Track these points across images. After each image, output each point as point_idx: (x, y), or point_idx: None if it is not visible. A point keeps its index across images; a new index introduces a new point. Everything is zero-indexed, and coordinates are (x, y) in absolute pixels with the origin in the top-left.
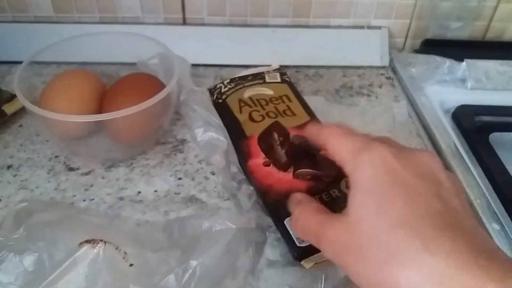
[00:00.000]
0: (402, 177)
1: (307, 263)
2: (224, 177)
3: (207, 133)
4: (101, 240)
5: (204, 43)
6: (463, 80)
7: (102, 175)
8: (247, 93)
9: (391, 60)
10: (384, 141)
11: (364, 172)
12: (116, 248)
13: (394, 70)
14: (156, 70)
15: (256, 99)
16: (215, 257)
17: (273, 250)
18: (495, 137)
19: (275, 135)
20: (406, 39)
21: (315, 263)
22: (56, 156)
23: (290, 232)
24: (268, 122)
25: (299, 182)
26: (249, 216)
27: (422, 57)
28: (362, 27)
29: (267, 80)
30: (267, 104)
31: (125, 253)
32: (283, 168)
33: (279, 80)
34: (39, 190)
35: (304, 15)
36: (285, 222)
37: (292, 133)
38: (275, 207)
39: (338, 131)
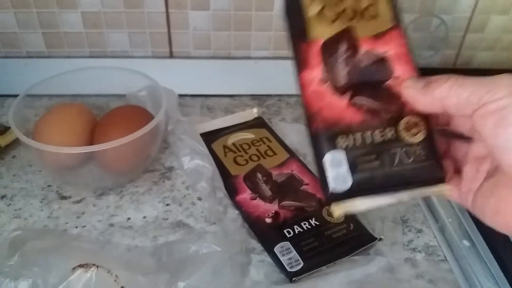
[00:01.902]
0: None
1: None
2: (210, 202)
3: (194, 161)
4: (94, 265)
5: (191, 75)
6: None
7: (93, 203)
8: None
9: None
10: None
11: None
12: (108, 272)
13: None
14: (145, 102)
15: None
16: (202, 279)
17: (258, 271)
18: None
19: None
20: None
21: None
22: (49, 186)
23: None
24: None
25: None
26: (234, 239)
27: None
28: None
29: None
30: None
31: (116, 276)
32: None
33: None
34: (32, 218)
35: (284, 47)
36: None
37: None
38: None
39: (453, 80)
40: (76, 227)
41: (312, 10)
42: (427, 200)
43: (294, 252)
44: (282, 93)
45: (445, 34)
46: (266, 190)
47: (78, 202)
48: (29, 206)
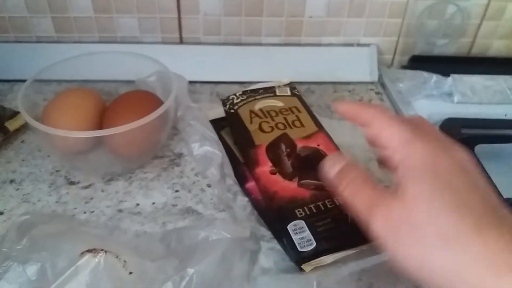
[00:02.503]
0: (449, 169)
1: (307, 267)
2: (219, 189)
3: (203, 147)
4: (102, 250)
5: (200, 61)
6: (450, 94)
7: (101, 189)
8: (258, 105)
9: (380, 76)
10: (425, 132)
11: (417, 160)
12: (116, 257)
13: (383, 85)
14: (154, 87)
15: (267, 111)
16: (211, 265)
17: (267, 259)
18: (481, 149)
19: (283, 146)
20: (394, 56)
21: (314, 267)
22: (57, 171)
23: (293, 237)
24: (277, 133)
25: (303, 190)
26: (244, 226)
27: (410, 72)
28: (352, 45)
29: (278, 93)
30: (276, 115)
31: (124, 261)
32: (289, 177)
33: (289, 93)
34: (41, 203)
35: (295, 34)
36: (288, 227)
37: (300, 145)
38: (279, 212)
39: (384, 115)
40: (85, 212)
41: (252, 126)
42: None
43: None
44: (293, 80)
45: (461, 21)
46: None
47: (87, 187)
48: (37, 191)
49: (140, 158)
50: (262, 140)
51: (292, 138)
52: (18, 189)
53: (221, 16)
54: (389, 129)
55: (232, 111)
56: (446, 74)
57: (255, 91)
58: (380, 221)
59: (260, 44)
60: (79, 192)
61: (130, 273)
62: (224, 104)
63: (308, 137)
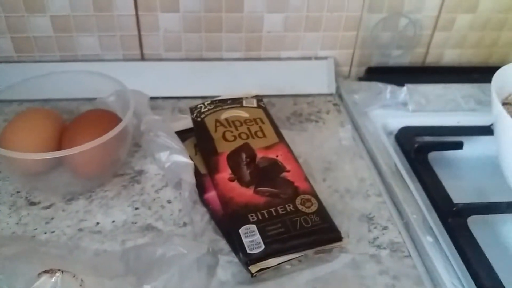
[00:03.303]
0: None
1: (253, 268)
2: (188, 194)
3: (173, 155)
4: (59, 270)
5: (162, 77)
6: (405, 104)
7: (62, 208)
8: (224, 115)
9: (337, 88)
10: None
11: None
12: (73, 276)
13: (340, 96)
14: (114, 106)
15: (232, 121)
16: (168, 281)
17: (225, 272)
18: (434, 156)
19: (243, 155)
20: (351, 68)
21: (260, 269)
22: (18, 192)
23: (243, 240)
24: (239, 142)
25: (258, 197)
26: (201, 241)
27: (366, 84)
28: (309, 58)
29: (244, 104)
30: (241, 125)
31: (82, 280)
32: (246, 184)
33: (255, 105)
34: (0, 225)
35: (255, 49)
36: (239, 230)
37: (260, 155)
38: (233, 216)
39: None
40: (45, 232)
41: (216, 135)
42: (393, 197)
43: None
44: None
45: (413, 33)
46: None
47: (47, 207)
48: None
49: (101, 176)
50: (225, 148)
51: (253, 148)
52: None
53: (181, 33)
54: None
55: (198, 119)
56: (401, 84)
57: (223, 101)
58: None
59: (221, 59)
60: (39, 212)
61: None
62: (191, 113)
63: (268, 147)
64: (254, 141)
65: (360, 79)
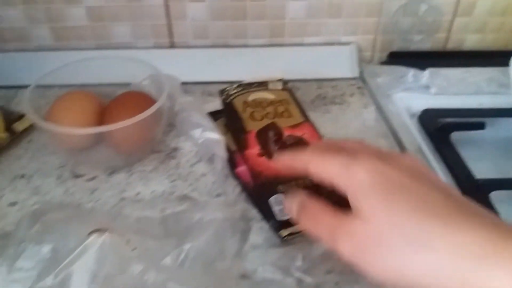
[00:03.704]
0: (397, 177)
1: (284, 232)
2: (215, 172)
3: (205, 133)
4: (107, 229)
5: (191, 63)
6: (427, 87)
7: (105, 180)
8: (251, 97)
9: (360, 72)
10: (361, 148)
11: (361, 178)
12: (120, 236)
13: (363, 80)
14: (148, 89)
15: (259, 102)
16: (206, 242)
17: (257, 236)
18: (456, 136)
19: (271, 133)
20: (373, 53)
21: (290, 233)
22: (63, 166)
23: (273, 208)
24: (266, 121)
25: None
26: (235, 209)
27: (388, 68)
28: (332, 44)
29: (270, 87)
30: (267, 106)
31: (128, 239)
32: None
33: (280, 88)
34: (49, 195)
35: (279, 35)
36: (269, 200)
37: (286, 133)
38: (263, 188)
39: (315, 153)
40: (90, 201)
41: (245, 115)
42: None
43: None
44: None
45: (434, 18)
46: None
47: (91, 179)
48: (46, 184)
49: (139, 152)
50: (253, 126)
51: (280, 126)
52: (28, 182)
53: (208, 21)
54: (324, 163)
55: (227, 101)
56: (423, 68)
57: (250, 84)
58: (346, 245)
59: (247, 46)
60: (84, 184)
61: (134, 249)
62: (221, 95)
63: (294, 126)
64: (281, 121)
65: (383, 63)
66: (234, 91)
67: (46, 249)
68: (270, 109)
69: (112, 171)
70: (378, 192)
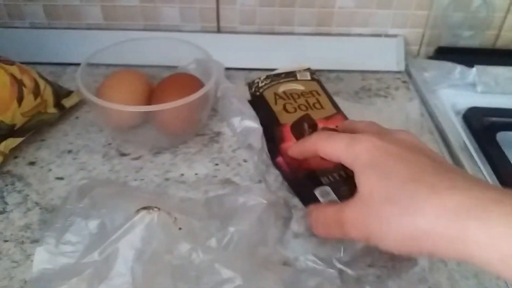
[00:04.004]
0: (393, 150)
1: None
2: (256, 160)
3: (244, 121)
4: (156, 207)
5: (236, 49)
6: (473, 85)
7: (150, 160)
8: (282, 88)
9: (406, 66)
10: (367, 128)
11: (361, 157)
12: (168, 214)
13: (409, 74)
14: (195, 72)
15: (290, 93)
16: (249, 226)
17: (299, 225)
18: (502, 136)
19: (306, 125)
20: (420, 46)
21: None
22: (109, 144)
23: (321, 200)
24: (299, 113)
25: (327, 161)
26: (278, 195)
27: (435, 63)
28: (379, 35)
29: (299, 78)
30: (298, 97)
31: (175, 218)
32: None
33: (309, 78)
34: (96, 171)
35: (326, 24)
36: (315, 191)
37: (320, 125)
38: (305, 180)
39: (321, 136)
40: (135, 180)
41: (277, 107)
42: None
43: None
44: (323, 68)
45: (486, 14)
46: None
47: (136, 159)
48: (92, 160)
49: (184, 134)
50: (287, 119)
51: (313, 118)
52: (75, 158)
53: (256, 7)
54: (329, 143)
55: (257, 93)
56: (470, 65)
57: (278, 75)
58: (353, 229)
59: (293, 34)
60: (129, 162)
61: (180, 228)
62: (250, 87)
63: (327, 118)
64: (313, 112)
65: (430, 58)
66: (263, 83)
67: (93, 224)
68: (301, 100)
69: (157, 152)
70: (375, 167)
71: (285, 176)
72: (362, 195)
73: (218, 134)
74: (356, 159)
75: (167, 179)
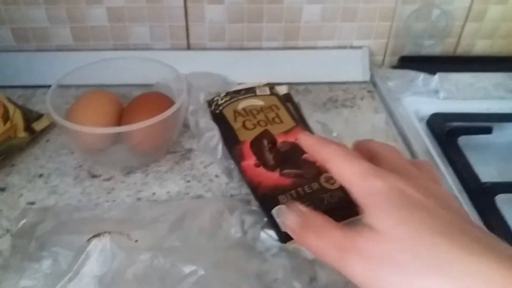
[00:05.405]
0: (416, 197)
1: (290, 245)
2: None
3: (214, 138)
4: (105, 232)
5: (207, 65)
6: (436, 91)
7: (121, 180)
8: (241, 105)
9: (371, 76)
10: (387, 153)
11: (381, 197)
12: (120, 233)
13: (374, 84)
14: (166, 90)
15: (249, 110)
16: (209, 219)
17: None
18: (464, 140)
19: (265, 142)
20: (384, 57)
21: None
22: (80, 166)
23: (276, 220)
24: (259, 130)
25: (285, 179)
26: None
27: (399, 72)
28: (345, 47)
29: (258, 93)
30: (258, 113)
31: (128, 234)
32: (271, 168)
33: (268, 93)
34: (67, 194)
35: (293, 38)
36: (272, 211)
37: (280, 140)
38: (263, 199)
39: (339, 152)
40: (107, 201)
41: (236, 125)
42: None
43: None
44: (292, 81)
45: (445, 23)
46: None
47: (108, 179)
48: (64, 183)
49: (155, 153)
50: (246, 136)
51: (272, 134)
52: (46, 182)
53: (225, 23)
54: (345, 165)
55: (217, 111)
56: (433, 72)
57: (237, 92)
58: (358, 267)
59: (261, 48)
60: (101, 183)
61: (136, 241)
62: (209, 105)
63: (287, 132)
64: (273, 127)
65: (393, 67)
66: (223, 100)
67: (46, 264)
68: (261, 116)
69: (129, 171)
70: (395, 209)
71: (250, 182)
72: (377, 234)
73: (190, 150)
74: (372, 195)
75: (139, 199)
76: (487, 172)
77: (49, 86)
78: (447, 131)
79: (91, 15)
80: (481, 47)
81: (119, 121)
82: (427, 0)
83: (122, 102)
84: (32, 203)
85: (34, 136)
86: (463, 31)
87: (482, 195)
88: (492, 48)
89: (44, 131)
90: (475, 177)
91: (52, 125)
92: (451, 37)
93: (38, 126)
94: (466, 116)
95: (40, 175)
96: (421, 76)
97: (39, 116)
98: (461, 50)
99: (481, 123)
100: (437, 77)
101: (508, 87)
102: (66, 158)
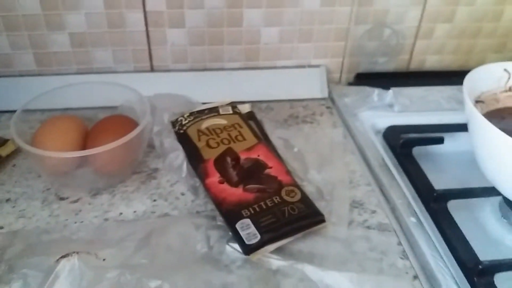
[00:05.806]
0: None
1: (253, 256)
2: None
3: (178, 157)
4: (74, 252)
5: (170, 87)
6: (391, 105)
7: (88, 202)
8: (204, 124)
9: (329, 92)
10: None
11: None
12: (87, 253)
13: (332, 100)
14: (130, 112)
15: (212, 129)
16: (176, 236)
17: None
18: (418, 151)
19: (228, 159)
20: (341, 74)
21: (260, 255)
22: (48, 189)
23: (241, 233)
24: (222, 148)
25: (248, 194)
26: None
27: (355, 88)
28: (303, 66)
29: (221, 112)
30: (221, 132)
31: (96, 254)
32: (235, 185)
33: (231, 112)
34: (35, 217)
35: (254, 59)
36: (236, 226)
37: (243, 157)
38: (228, 214)
39: None
40: (75, 222)
41: (200, 143)
42: (380, 186)
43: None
44: (254, 99)
45: (396, 41)
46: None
47: (75, 201)
48: (31, 207)
49: (121, 174)
50: (210, 154)
51: (236, 151)
52: (14, 206)
53: (186, 46)
54: None
55: (181, 131)
56: (387, 88)
57: (201, 112)
58: None
59: (223, 69)
60: (68, 206)
61: (104, 259)
62: (173, 126)
63: (249, 149)
64: (236, 145)
65: (350, 84)
66: (187, 120)
67: (17, 287)
68: (224, 134)
69: (95, 193)
70: None
71: (214, 198)
72: None
73: (156, 170)
74: None
75: (106, 219)
76: (440, 179)
77: (13, 111)
78: (402, 142)
79: (54, 41)
80: (431, 62)
81: (84, 144)
82: (378, 21)
83: (87, 125)
84: (1, 228)
85: (0, 162)
86: (414, 48)
87: (435, 202)
88: (442, 63)
89: (11, 156)
90: (428, 185)
91: (18, 150)
92: (403, 54)
93: (3, 151)
94: (419, 127)
95: (7, 200)
96: (376, 92)
97: (5, 142)
98: (413, 66)
99: (434, 134)
100: (391, 92)
101: (458, 99)
102: (33, 182)
